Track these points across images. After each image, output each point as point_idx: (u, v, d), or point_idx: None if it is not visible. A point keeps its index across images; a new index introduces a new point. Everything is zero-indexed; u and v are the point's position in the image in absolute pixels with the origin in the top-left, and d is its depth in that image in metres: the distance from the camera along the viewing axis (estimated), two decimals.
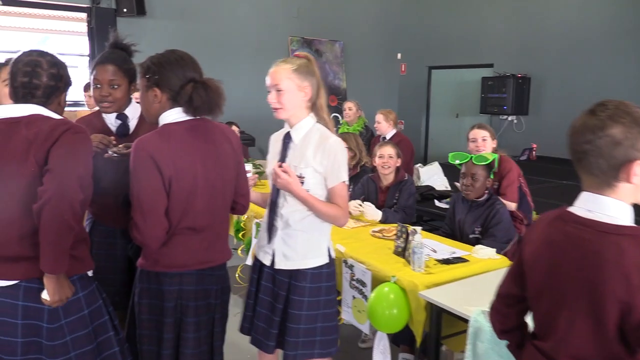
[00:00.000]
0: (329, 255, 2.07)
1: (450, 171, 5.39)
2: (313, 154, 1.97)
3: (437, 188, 4.67)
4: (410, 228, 2.44)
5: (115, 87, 2.17)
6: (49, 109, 1.72)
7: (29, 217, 1.58)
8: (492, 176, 2.93)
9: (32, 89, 1.70)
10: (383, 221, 3.14)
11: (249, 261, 3.33)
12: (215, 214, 1.87)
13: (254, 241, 3.31)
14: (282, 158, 2.05)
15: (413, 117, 9.07)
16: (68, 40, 7.82)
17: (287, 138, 2.06)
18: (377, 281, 2.34)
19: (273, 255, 2.04)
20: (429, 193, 4.43)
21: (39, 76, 1.70)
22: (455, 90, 9.02)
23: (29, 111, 1.69)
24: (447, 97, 9.10)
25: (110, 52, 2.21)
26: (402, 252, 2.47)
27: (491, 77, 7.81)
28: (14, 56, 1.81)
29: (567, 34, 7.14)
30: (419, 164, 5.10)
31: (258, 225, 3.26)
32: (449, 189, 4.86)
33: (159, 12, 6.87)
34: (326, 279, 2.03)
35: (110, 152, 2.08)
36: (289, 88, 1.97)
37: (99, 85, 2.17)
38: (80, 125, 1.72)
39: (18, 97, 1.71)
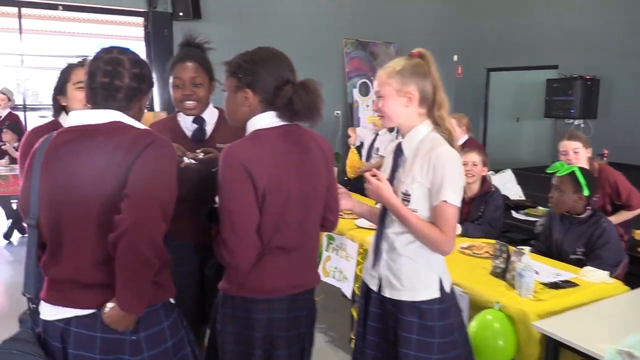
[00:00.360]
0: (442, 289, 1.77)
1: (524, 179, 5.06)
2: (420, 167, 1.71)
3: (511, 197, 4.36)
4: (513, 249, 2.17)
5: (199, 85, 2.02)
6: (129, 114, 1.53)
7: (104, 240, 1.40)
8: (586, 192, 2.56)
9: (113, 91, 1.49)
10: (462, 234, 2.89)
11: (320, 276, 3.12)
12: (307, 231, 1.67)
13: (324, 254, 3.11)
14: (392, 173, 1.80)
15: (470, 122, 8.71)
16: (123, 45, 7.89)
17: (398, 150, 1.81)
18: (475, 306, 2.09)
19: (380, 280, 1.82)
20: (505, 203, 4.11)
21: (120, 76, 1.49)
22: (516, 93, 8.60)
23: (108, 118, 1.50)
24: (507, 101, 8.69)
25: (187, 50, 2.06)
26: (502, 273, 2.20)
27: (557, 79, 7.38)
28: (89, 56, 1.65)
29: (638, 32, 6.66)
30: (491, 172, 4.79)
31: (330, 237, 3.06)
32: (523, 198, 4.54)
33: (214, 16, 6.80)
34: (439, 317, 1.73)
35: (187, 160, 1.90)
36: (388, 93, 1.74)
37: (180, 85, 2.01)
38: (164, 138, 1.52)
39: (97, 100, 1.52)
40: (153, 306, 1.50)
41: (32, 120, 7.21)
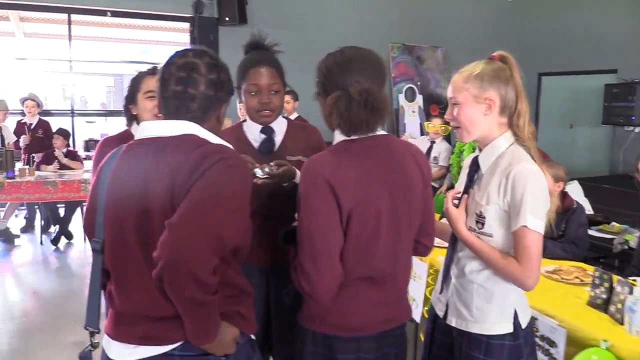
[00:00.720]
0: (516, 323, 1.56)
1: (591, 191, 4.73)
2: (497, 186, 1.51)
3: None
4: (617, 278, 1.92)
5: (276, 92, 1.86)
6: (205, 126, 1.35)
7: None
8: None
9: (186, 101, 1.31)
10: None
11: None
12: (398, 259, 1.46)
13: None
14: (466, 190, 1.62)
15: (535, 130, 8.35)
16: (169, 50, 7.89)
17: (474, 165, 1.62)
18: (573, 342, 1.85)
19: (447, 307, 1.64)
20: None
21: (195, 84, 1.31)
22: (570, 98, 8.21)
23: (181, 130, 1.31)
24: (560, 106, 8.31)
25: (260, 53, 1.88)
26: (604, 305, 1.95)
27: (616, 83, 6.99)
28: (160, 64, 1.49)
29: None
30: None
31: None
32: (592, 212, 4.22)
33: (260, 21, 6.68)
34: (509, 355, 1.52)
35: (261, 175, 1.70)
36: (465, 100, 1.56)
37: (254, 92, 1.84)
38: (239, 155, 1.33)
39: (169, 110, 1.34)
40: (243, 337, 1.33)
41: (80, 126, 7.27)
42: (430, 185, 1.58)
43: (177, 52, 1.36)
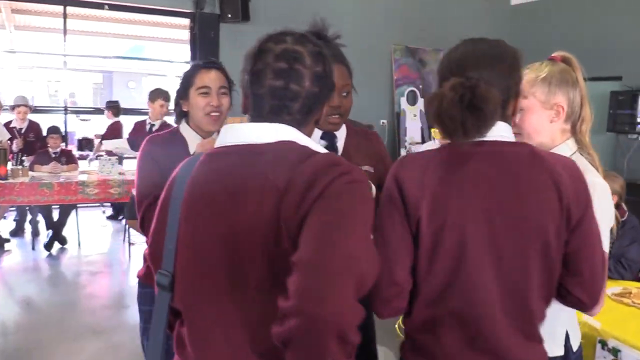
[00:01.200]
0: (567, 346, 1.41)
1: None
2: None
3: None
4: None
5: (347, 94, 1.64)
6: (304, 132, 1.07)
7: (268, 315, 0.90)
8: None
9: (287, 100, 1.03)
10: None
11: None
12: (492, 299, 1.15)
13: None
14: None
15: None
16: (166, 48, 7.62)
17: None
18: None
19: None
20: None
21: (300, 79, 1.03)
22: None
23: (277, 136, 1.03)
24: None
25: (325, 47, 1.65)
26: None
27: (622, 91, 6.94)
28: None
29: None
30: None
31: None
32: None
33: (262, 18, 6.47)
34: None
35: None
36: (531, 106, 1.44)
37: None
38: (358, 168, 1.02)
39: (262, 111, 1.05)
40: None
41: (73, 124, 6.94)
42: (590, 219, 1.19)
43: (270, 36, 1.08)
